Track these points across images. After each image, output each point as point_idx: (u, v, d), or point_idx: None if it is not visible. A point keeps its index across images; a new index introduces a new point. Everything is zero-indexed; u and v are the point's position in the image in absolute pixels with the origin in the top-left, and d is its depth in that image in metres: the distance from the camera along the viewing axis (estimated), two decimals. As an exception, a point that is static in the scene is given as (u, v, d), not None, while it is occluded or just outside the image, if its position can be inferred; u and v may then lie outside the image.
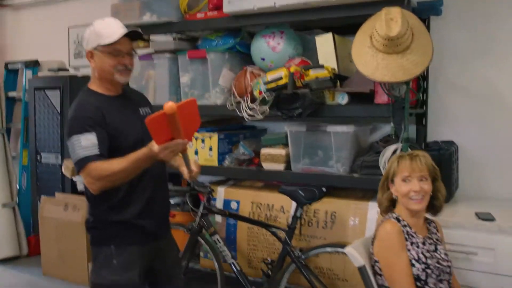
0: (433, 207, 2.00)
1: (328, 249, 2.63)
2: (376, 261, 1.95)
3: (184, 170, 2.03)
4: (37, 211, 4.33)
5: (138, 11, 3.14)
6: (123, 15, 3.19)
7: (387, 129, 3.05)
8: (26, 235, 4.43)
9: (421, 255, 1.89)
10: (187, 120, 1.75)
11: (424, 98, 2.91)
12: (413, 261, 1.88)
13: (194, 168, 2.00)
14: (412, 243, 1.91)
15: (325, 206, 2.75)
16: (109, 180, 1.85)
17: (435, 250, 1.95)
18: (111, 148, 1.92)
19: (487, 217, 2.37)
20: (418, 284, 1.86)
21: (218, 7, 2.95)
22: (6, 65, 4.77)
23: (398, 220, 1.95)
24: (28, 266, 4.17)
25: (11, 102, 4.81)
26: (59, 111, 4.06)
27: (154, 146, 1.75)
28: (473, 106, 2.93)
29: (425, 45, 2.34)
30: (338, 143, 2.71)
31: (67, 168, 3.78)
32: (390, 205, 2.04)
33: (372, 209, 2.65)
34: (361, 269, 1.93)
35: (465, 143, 2.93)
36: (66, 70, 4.27)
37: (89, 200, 2.05)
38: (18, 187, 4.57)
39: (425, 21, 2.88)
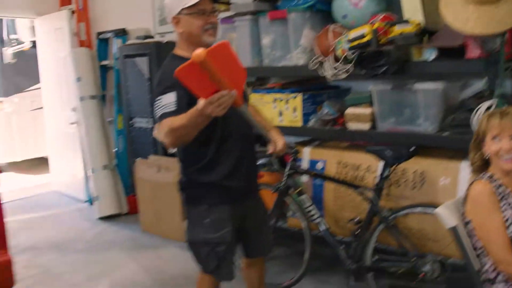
0: None
1: (418, 209, 2.59)
2: (468, 222, 1.91)
3: (269, 146, 2.13)
4: (133, 173, 4.65)
5: (218, -25, 3.16)
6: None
7: (479, 85, 2.89)
8: (125, 195, 4.79)
9: None
10: (227, 67, 1.64)
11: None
12: (508, 223, 1.81)
13: (275, 138, 2.13)
14: (508, 204, 1.84)
15: (413, 166, 2.70)
16: (174, 136, 1.85)
17: None
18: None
19: None
20: None
21: (298, -35, 2.90)
22: (98, 35, 5.04)
23: (491, 179, 1.88)
24: (128, 223, 4.51)
25: (104, 70, 5.10)
26: (147, 77, 4.25)
27: (200, 101, 1.70)
28: None
29: (524, -9, 2.16)
30: (426, 100, 2.62)
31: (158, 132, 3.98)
32: (483, 165, 1.95)
33: (464, 169, 2.56)
34: (453, 230, 1.90)
35: None
36: (152, 37, 4.42)
37: (181, 161, 2.15)
38: (115, 150, 4.91)
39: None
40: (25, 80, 7.01)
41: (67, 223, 4.64)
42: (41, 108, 6.09)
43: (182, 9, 1.98)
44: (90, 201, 5.06)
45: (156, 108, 1.94)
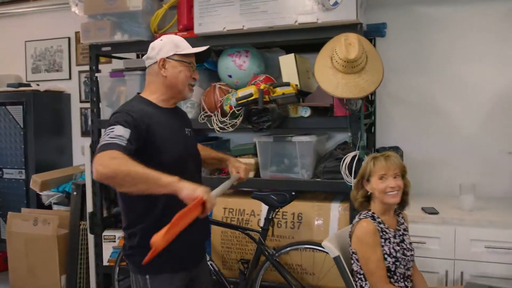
0: (403, 201, 2.31)
1: (300, 246, 2.93)
2: (353, 252, 2.25)
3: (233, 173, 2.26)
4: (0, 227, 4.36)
5: (109, 31, 3.32)
6: (93, 33, 3.36)
7: (340, 137, 3.45)
8: (-13, 252, 4.44)
9: (392, 250, 2.20)
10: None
11: (372, 109, 3.31)
12: (386, 256, 2.18)
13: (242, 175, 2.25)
14: (385, 239, 2.21)
15: (292, 208, 3.05)
16: (119, 176, 1.62)
17: (403, 241, 2.27)
18: (153, 161, 1.76)
19: (432, 211, 2.78)
20: (388, 274, 2.18)
21: (188, 28, 3.21)
22: (-41, 80, 4.72)
23: (373, 217, 2.23)
24: (-7, 282, 4.18)
25: (-36, 117, 4.77)
26: (22, 126, 4.12)
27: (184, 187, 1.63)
28: (413, 115, 3.39)
29: (377, 66, 2.72)
30: (302, 151, 3.03)
31: (35, 183, 3.86)
32: (364, 201, 2.32)
33: (334, 209, 3.00)
34: (336, 259, 2.25)
35: (408, 148, 3.33)
36: (27, 85, 4.31)
37: (126, 226, 2.00)
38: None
39: (372, 41, 3.29)
40: None
41: None
42: None
43: (175, 54, 1.97)
44: None
45: (105, 135, 1.76)
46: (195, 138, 2.22)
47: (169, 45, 1.98)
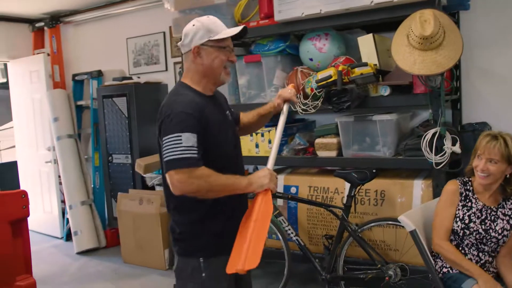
0: (503, 188, 2.29)
1: (381, 222, 3.00)
2: None
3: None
4: (111, 207, 4.88)
5: (197, 24, 3.57)
6: (183, 27, 3.62)
7: (425, 114, 3.41)
8: (103, 229, 4.99)
9: (466, 217, 2.25)
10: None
11: (458, 85, 3.24)
12: (457, 219, 2.27)
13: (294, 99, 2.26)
14: (463, 205, 2.28)
15: (374, 186, 3.12)
16: (201, 191, 1.77)
17: (494, 221, 2.25)
18: (213, 152, 1.85)
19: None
20: (456, 237, 2.27)
21: (269, 15, 3.36)
22: (74, 76, 5.31)
23: (464, 182, 2.32)
24: (108, 256, 4.71)
25: (79, 110, 5.36)
26: (126, 115, 4.56)
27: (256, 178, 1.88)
28: (501, 89, 3.25)
29: (456, 40, 2.68)
30: (384, 130, 3.08)
31: (139, 166, 4.27)
32: (472, 169, 2.32)
33: (417, 186, 3.01)
34: (412, 233, 2.32)
35: (497, 124, 3.22)
36: (130, 78, 4.75)
37: (175, 209, 1.95)
38: (92, 186, 5.13)
39: (455, 15, 3.22)
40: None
41: (47, 259, 4.76)
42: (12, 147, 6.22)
43: (208, 40, 1.90)
44: (65, 237, 5.23)
45: (172, 143, 1.75)
46: (233, 119, 2.16)
47: (202, 31, 1.90)
